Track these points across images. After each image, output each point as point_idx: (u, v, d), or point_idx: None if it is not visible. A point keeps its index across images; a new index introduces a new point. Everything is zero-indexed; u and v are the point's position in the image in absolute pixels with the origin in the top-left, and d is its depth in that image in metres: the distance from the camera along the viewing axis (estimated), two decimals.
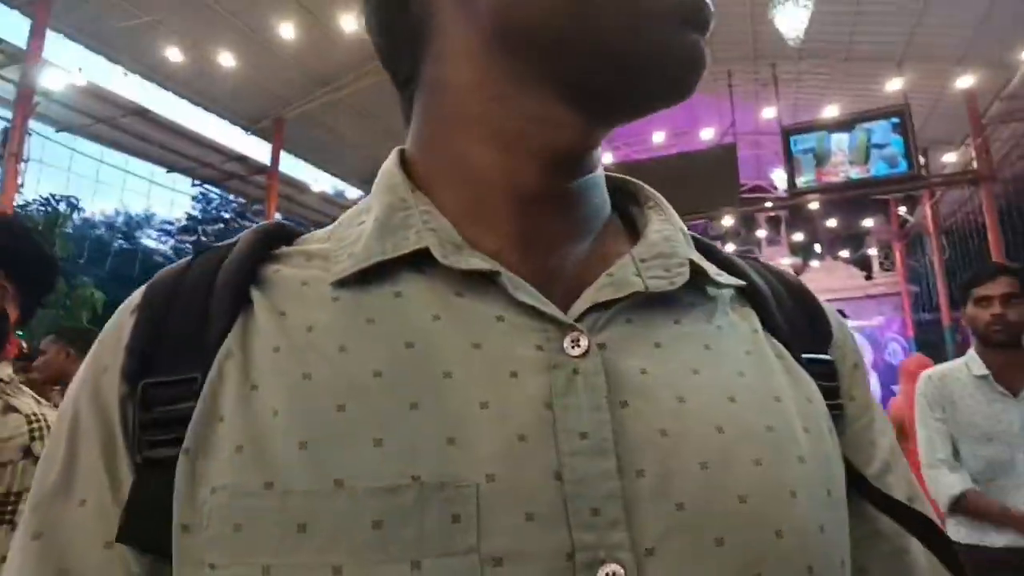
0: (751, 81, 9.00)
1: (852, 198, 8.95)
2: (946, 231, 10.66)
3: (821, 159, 8.38)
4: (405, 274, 0.36)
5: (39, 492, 0.35)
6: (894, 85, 8.12)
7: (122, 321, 0.37)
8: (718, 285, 0.39)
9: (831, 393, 0.41)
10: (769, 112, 8.82)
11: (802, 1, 5.02)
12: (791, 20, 7.34)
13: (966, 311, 2.08)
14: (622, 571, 0.29)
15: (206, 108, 8.29)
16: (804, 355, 0.41)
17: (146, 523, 0.32)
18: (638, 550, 0.30)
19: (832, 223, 11.36)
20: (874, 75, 8.30)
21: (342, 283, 0.35)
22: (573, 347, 0.33)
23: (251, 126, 8.82)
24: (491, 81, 0.37)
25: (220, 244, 0.39)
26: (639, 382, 0.34)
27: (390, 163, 0.41)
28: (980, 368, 1.98)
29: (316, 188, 10.48)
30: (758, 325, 0.41)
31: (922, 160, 8.29)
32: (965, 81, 7.71)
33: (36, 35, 6.25)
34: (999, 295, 1.98)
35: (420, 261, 0.36)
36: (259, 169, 9.03)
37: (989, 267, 2.12)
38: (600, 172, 0.41)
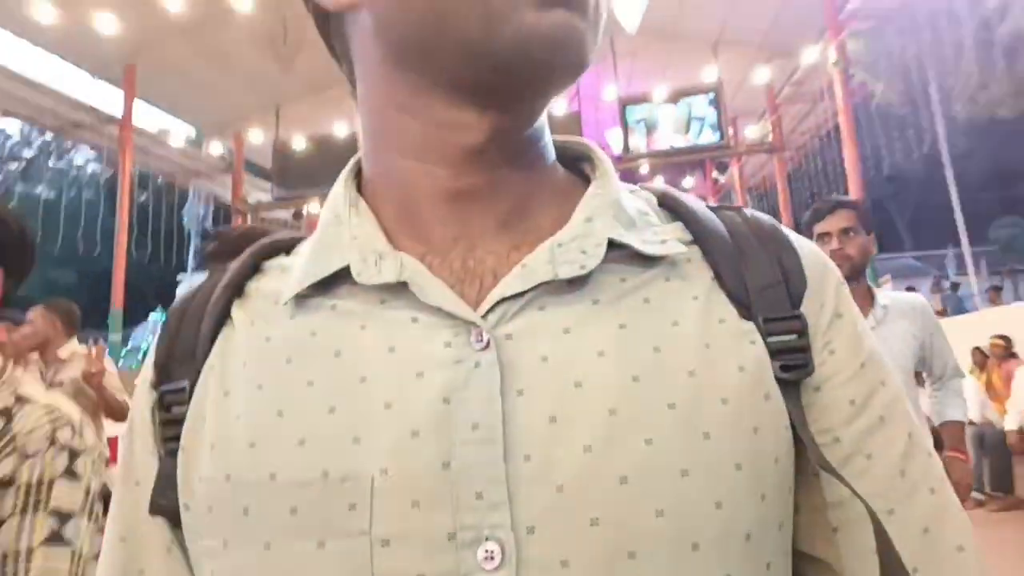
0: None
1: (675, 162, 10.32)
2: (749, 189, 12.54)
3: (651, 128, 9.61)
4: (342, 287, 0.39)
5: (117, 479, 0.43)
6: (710, 64, 9.44)
7: (156, 338, 0.45)
8: (644, 256, 0.39)
9: (797, 350, 0.39)
10: (610, 88, 9.85)
11: None
12: (628, 9, 8.28)
13: None
14: (498, 548, 0.32)
15: (47, 49, 7.77)
16: (765, 315, 0.39)
17: (167, 501, 0.39)
18: (518, 529, 0.32)
19: (659, 182, 12.89)
20: (695, 55, 9.58)
21: (296, 296, 0.40)
22: (477, 341, 0.35)
23: (98, 72, 8.26)
24: (396, 95, 0.40)
25: (229, 265, 0.45)
26: (537, 370, 0.35)
27: (342, 175, 0.44)
28: None
29: (174, 140, 9.90)
30: (703, 288, 0.40)
31: (731, 131, 9.80)
32: (763, 72, 9.19)
33: None
34: (837, 230, 2.01)
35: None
36: (109, 119, 8.56)
37: (827, 202, 2.09)
38: (536, 155, 0.42)
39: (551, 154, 0.44)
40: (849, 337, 0.41)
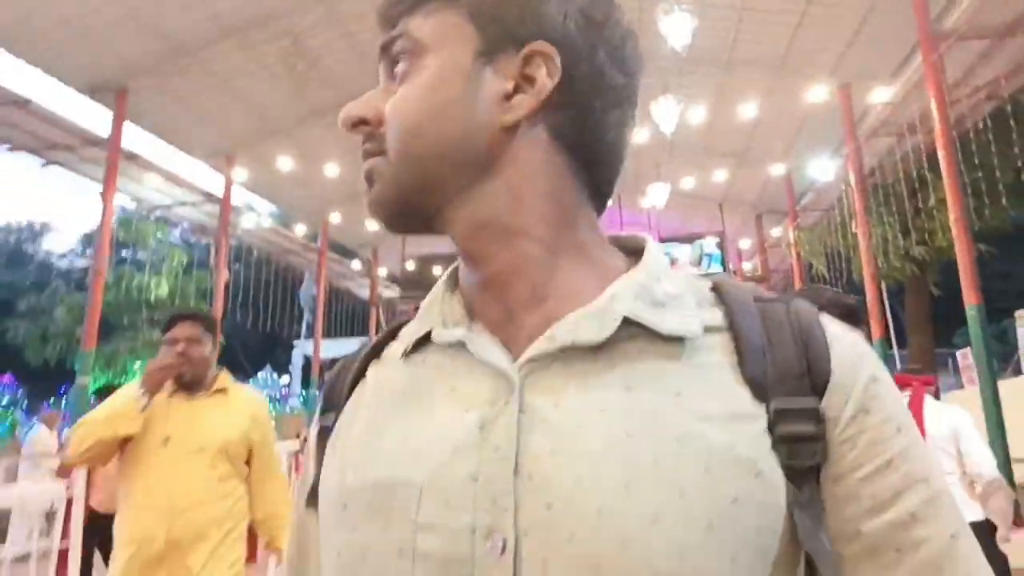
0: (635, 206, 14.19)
1: None
2: None
3: (672, 261, 13.56)
4: (432, 347, 0.52)
5: (301, 480, 0.59)
6: (715, 220, 13.55)
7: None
8: (657, 334, 0.45)
9: (809, 439, 0.43)
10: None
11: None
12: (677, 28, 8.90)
13: None
14: (503, 541, 0.41)
15: (44, 70, 7.49)
16: (778, 404, 0.43)
17: (315, 499, 0.55)
18: (518, 529, 0.41)
19: None
20: (705, 212, 13.68)
21: (404, 354, 0.53)
22: (510, 388, 0.45)
23: (91, 93, 7.98)
24: None
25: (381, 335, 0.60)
26: (549, 413, 0.44)
27: (446, 272, 0.57)
28: None
29: (165, 167, 9.40)
30: (721, 371, 0.45)
31: (731, 266, 13.80)
32: (751, 229, 13.36)
33: None
34: None
35: None
36: (94, 141, 8.12)
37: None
38: (543, 250, 0.49)
39: (587, 248, 0.51)
40: (875, 433, 0.44)
